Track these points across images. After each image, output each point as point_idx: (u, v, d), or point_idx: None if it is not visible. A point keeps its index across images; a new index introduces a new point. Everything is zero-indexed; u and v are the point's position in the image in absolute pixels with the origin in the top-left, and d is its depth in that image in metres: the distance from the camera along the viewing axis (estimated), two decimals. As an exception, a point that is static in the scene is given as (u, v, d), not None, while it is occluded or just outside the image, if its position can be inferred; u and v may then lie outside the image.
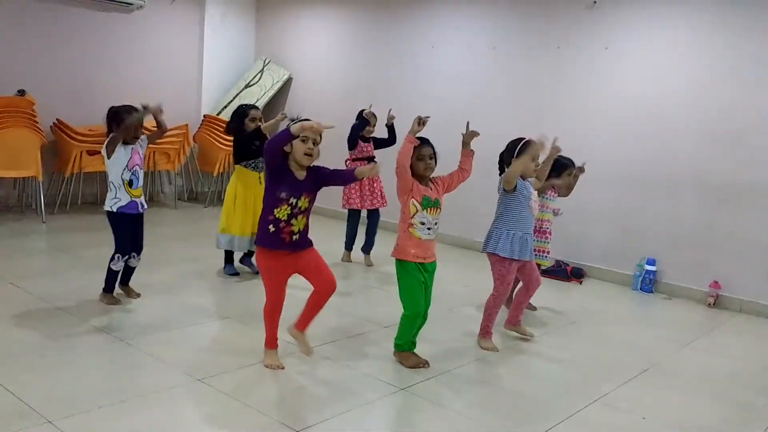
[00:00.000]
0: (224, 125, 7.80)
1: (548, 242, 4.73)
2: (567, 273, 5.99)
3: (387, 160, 5.72)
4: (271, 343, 3.46)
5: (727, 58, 5.45)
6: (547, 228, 4.71)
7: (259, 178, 4.94)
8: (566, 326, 4.71)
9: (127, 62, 7.72)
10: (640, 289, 5.83)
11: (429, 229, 3.51)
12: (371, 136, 5.71)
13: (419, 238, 3.50)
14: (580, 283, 5.99)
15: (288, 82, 8.56)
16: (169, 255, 5.71)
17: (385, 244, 5.82)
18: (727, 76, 5.45)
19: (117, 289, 4.37)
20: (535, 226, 4.64)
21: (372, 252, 5.92)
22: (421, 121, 3.47)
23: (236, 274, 5.17)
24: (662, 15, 5.75)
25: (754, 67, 5.33)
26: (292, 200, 3.20)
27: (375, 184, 5.77)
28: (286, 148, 3.20)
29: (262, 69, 8.51)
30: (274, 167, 3.24)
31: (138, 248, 4.33)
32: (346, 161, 5.77)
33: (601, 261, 6.15)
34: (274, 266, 3.32)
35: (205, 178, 8.46)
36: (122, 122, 4.08)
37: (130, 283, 4.45)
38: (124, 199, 4.15)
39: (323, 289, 3.37)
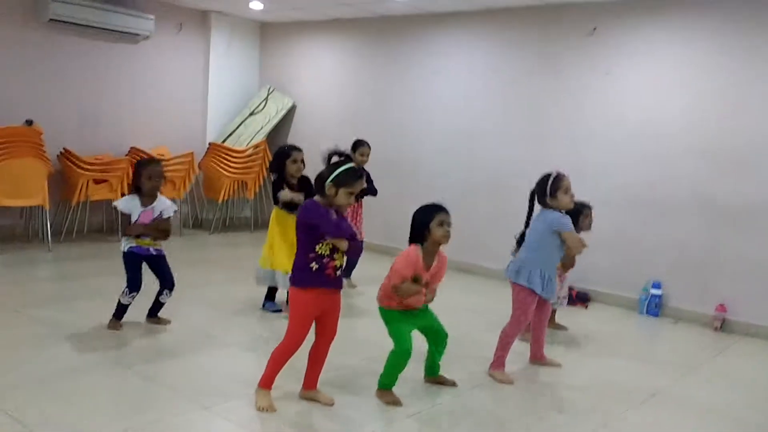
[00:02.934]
0: (234, 153, 7.96)
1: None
2: (572, 297, 5.96)
3: (373, 199, 5.74)
4: (268, 383, 3.31)
5: (728, 81, 5.49)
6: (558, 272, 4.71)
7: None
8: (574, 351, 4.69)
9: (134, 91, 7.81)
10: (647, 312, 5.81)
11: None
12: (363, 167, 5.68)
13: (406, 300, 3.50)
14: (586, 307, 5.97)
15: (292, 110, 8.63)
16: (175, 282, 5.70)
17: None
18: (728, 98, 5.49)
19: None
20: None
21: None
22: None
23: (279, 310, 4.97)
24: (662, 40, 5.81)
25: (754, 88, 5.37)
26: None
27: (358, 218, 5.77)
28: (330, 192, 3.16)
29: (267, 97, 8.59)
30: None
31: (169, 285, 4.40)
32: None
33: (607, 285, 6.13)
34: (314, 307, 3.23)
35: (210, 205, 8.50)
36: (143, 173, 4.18)
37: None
38: (134, 242, 4.26)
39: (328, 339, 3.37)
